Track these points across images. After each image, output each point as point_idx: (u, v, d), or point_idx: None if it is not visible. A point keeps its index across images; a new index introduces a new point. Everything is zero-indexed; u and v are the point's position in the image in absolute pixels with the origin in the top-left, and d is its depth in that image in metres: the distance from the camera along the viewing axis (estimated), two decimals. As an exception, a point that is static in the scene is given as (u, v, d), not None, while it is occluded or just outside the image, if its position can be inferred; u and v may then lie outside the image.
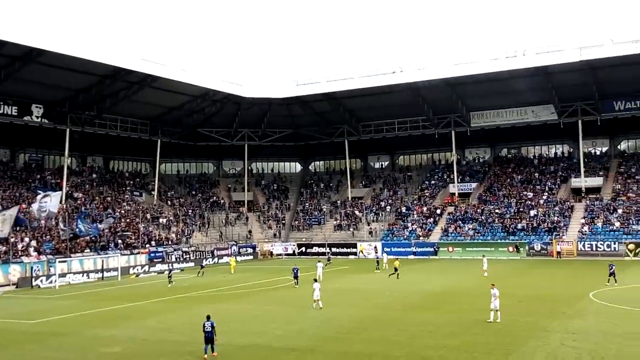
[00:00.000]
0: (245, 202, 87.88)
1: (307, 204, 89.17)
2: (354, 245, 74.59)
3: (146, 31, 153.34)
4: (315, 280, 34.34)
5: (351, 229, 79.57)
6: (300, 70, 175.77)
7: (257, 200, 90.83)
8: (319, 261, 49.87)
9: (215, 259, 70.12)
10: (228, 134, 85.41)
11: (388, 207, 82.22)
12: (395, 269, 47.68)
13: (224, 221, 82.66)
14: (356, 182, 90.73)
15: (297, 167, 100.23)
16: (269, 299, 38.95)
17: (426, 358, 21.71)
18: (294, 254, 77.02)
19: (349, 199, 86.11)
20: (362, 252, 72.81)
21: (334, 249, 74.76)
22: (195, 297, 40.54)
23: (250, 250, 76.77)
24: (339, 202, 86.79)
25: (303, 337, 25.96)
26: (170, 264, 62.53)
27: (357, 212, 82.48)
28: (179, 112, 77.24)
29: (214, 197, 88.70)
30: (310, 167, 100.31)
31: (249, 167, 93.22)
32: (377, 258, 57.04)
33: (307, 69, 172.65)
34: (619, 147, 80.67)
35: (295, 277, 43.97)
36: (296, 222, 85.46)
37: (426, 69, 70.71)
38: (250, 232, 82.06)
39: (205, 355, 22.18)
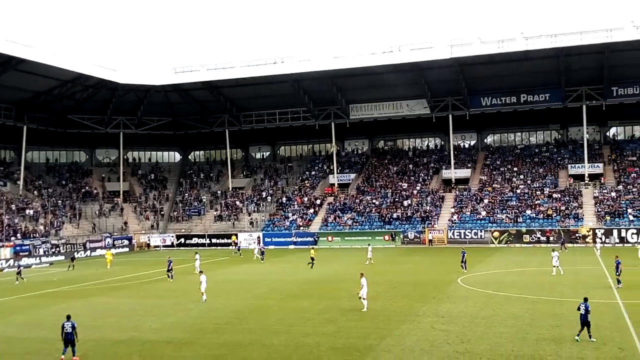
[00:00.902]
0: (121, 192, 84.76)
1: (187, 194, 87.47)
2: (236, 236, 74.04)
3: (14, 12, 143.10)
4: (202, 272, 33.56)
5: (232, 220, 79.00)
6: (179, 58, 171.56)
7: (134, 191, 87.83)
8: (197, 252, 49.00)
9: (88, 252, 67.09)
10: (102, 121, 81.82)
11: (269, 198, 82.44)
12: (312, 259, 47.55)
13: (97, 212, 79.17)
14: (237, 173, 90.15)
15: (176, 156, 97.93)
16: (146, 292, 37.86)
17: (303, 345, 22.02)
18: (172, 245, 75.36)
19: (230, 190, 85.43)
20: (235, 243, 72.12)
21: (214, 240, 74.16)
22: (67, 292, 38.60)
23: (126, 242, 74.17)
24: (219, 192, 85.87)
25: (180, 329, 25.46)
26: (38, 258, 59.17)
27: (238, 203, 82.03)
28: (47, 97, 72.92)
29: (87, 187, 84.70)
30: (189, 157, 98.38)
31: (125, 156, 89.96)
32: (262, 249, 56.69)
33: (187, 57, 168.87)
34: (485, 140, 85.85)
35: (169, 269, 42.67)
36: (175, 213, 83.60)
37: (307, 60, 71.61)
38: (125, 223, 79.22)
39: (62, 357, 20.80)
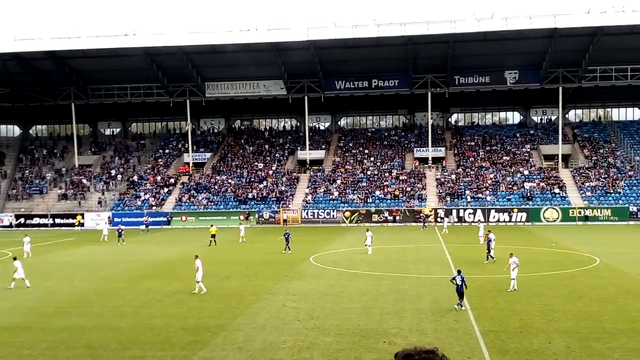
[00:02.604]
0: (-50, 168, 77.35)
1: (27, 171, 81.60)
2: (82, 216, 70.47)
3: None
4: (15, 259, 30.71)
5: (78, 199, 74.92)
6: (22, 27, 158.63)
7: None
8: (26, 235, 45.57)
9: None
10: None
11: (119, 176, 79.10)
12: (213, 236, 46.79)
13: None
14: (84, 149, 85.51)
15: (15, 130, 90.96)
16: (-22, 276, 34.89)
17: (151, 327, 21.48)
18: (11, 225, 70.17)
19: (76, 167, 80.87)
20: (79, 223, 69.00)
21: (58, 220, 70.12)
22: None
23: (-44, 222, 67.98)
24: (64, 169, 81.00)
25: (17, 314, 23.83)
26: None
27: (84, 181, 77.88)
28: None
29: None
30: (31, 131, 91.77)
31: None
32: (119, 229, 53.51)
33: (30, 27, 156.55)
34: (339, 123, 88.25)
35: None
36: (14, 191, 77.74)
37: (160, 34, 69.23)
38: (-44, 202, 72.52)
39: None
